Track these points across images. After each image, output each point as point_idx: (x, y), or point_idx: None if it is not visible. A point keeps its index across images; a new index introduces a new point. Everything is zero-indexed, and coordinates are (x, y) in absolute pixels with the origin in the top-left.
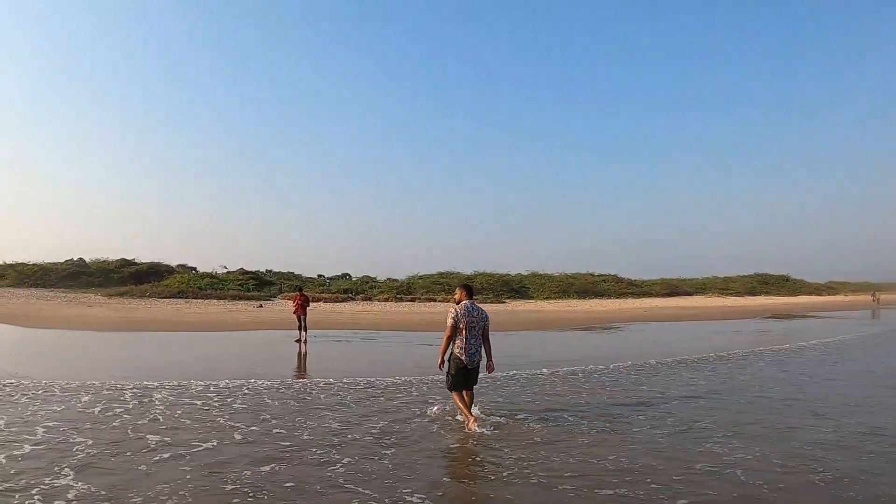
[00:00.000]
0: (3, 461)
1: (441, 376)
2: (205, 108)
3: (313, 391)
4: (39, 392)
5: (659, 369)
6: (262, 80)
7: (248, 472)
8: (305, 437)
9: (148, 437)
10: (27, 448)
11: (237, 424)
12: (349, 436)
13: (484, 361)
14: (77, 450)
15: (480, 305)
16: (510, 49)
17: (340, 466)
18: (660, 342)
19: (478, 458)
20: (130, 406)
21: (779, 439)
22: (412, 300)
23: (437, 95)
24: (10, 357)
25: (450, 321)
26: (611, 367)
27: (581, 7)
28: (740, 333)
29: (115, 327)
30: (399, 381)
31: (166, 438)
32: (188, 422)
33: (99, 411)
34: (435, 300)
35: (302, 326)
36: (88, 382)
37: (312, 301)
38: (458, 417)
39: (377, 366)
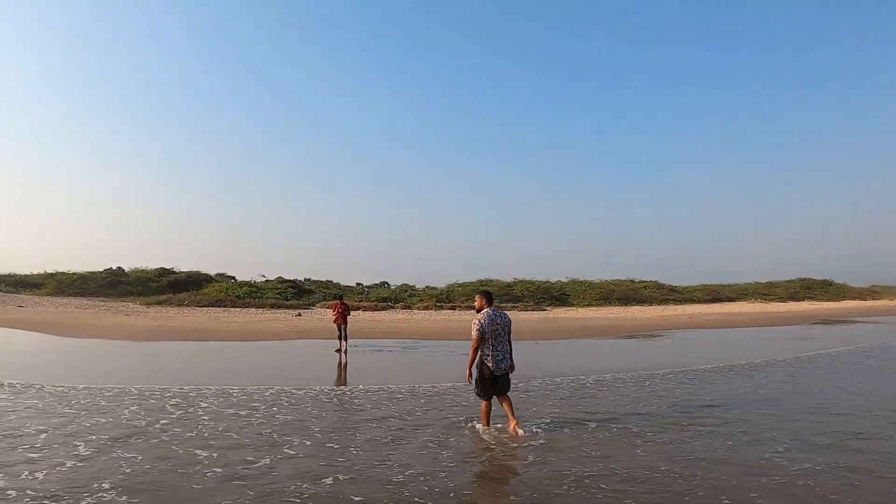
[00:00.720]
0: (42, 477)
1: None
2: (246, 119)
3: (358, 401)
4: (83, 401)
5: (712, 376)
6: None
7: (308, 486)
8: (359, 451)
9: (196, 451)
10: (69, 464)
11: (286, 438)
12: (404, 448)
13: (510, 363)
14: (122, 466)
15: (505, 311)
16: (541, 52)
17: (402, 478)
18: (709, 349)
19: (536, 472)
20: (175, 416)
21: (846, 449)
22: (452, 308)
23: (469, 99)
24: (52, 366)
25: (475, 332)
26: (662, 374)
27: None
28: (791, 339)
29: (151, 336)
30: (444, 391)
31: (215, 454)
32: (235, 435)
33: (144, 424)
34: (474, 307)
35: (342, 336)
36: (129, 389)
37: (352, 310)
38: (477, 426)
39: (421, 376)
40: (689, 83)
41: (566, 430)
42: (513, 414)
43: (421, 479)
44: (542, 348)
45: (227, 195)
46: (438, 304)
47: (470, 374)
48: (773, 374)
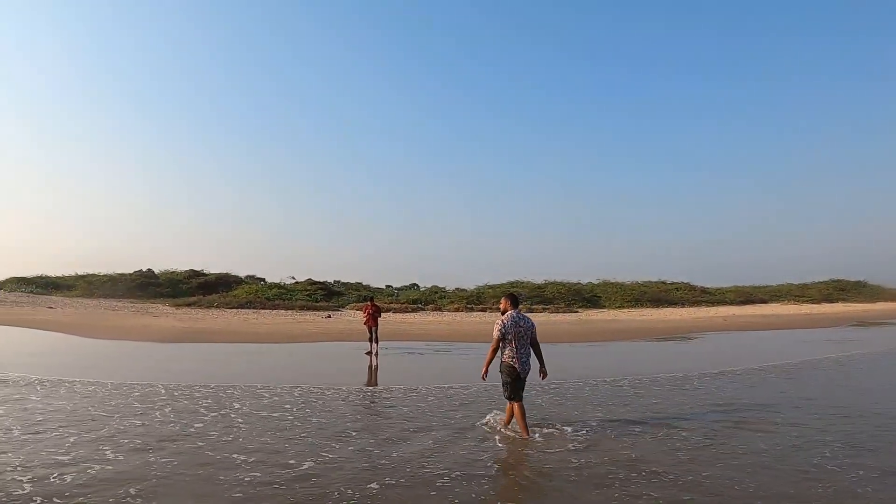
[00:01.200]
0: (70, 480)
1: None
2: (278, 125)
3: (393, 403)
4: (112, 402)
5: (752, 378)
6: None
7: (353, 492)
8: (401, 454)
9: (234, 455)
10: (95, 468)
11: (324, 441)
12: (445, 452)
13: (536, 367)
14: (154, 470)
15: (529, 317)
16: (575, 55)
17: (448, 481)
18: (747, 351)
19: (577, 476)
20: (208, 419)
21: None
22: (483, 310)
23: (498, 102)
24: (79, 367)
25: (496, 333)
26: (699, 375)
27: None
28: (830, 342)
29: (177, 338)
30: (479, 393)
31: (252, 458)
32: (270, 440)
33: (178, 428)
34: (500, 310)
35: (373, 338)
36: (157, 389)
37: (382, 311)
38: (502, 429)
39: (455, 377)
40: (716, 79)
41: (609, 433)
42: (525, 416)
43: (463, 482)
44: (577, 351)
45: (260, 198)
46: (469, 305)
47: (486, 373)
48: (814, 377)
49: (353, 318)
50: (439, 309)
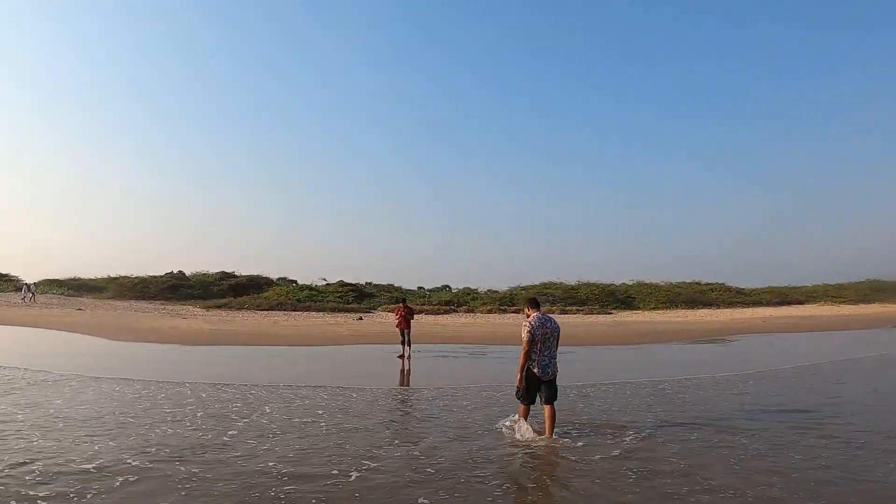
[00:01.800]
0: (90, 497)
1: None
2: (311, 127)
3: (431, 409)
4: (138, 406)
5: (800, 380)
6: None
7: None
8: (444, 464)
9: (270, 463)
10: (118, 480)
11: (364, 448)
12: (491, 460)
13: (556, 368)
14: (183, 483)
15: (552, 316)
16: (611, 54)
17: (501, 494)
18: (791, 353)
19: (621, 485)
20: (241, 425)
21: None
22: (516, 311)
23: (538, 101)
24: (104, 369)
25: (525, 335)
26: (745, 376)
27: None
28: (877, 343)
29: (205, 340)
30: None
31: (291, 468)
32: (308, 448)
33: (210, 437)
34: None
35: (405, 341)
36: (184, 391)
37: (415, 313)
38: (528, 434)
39: (491, 381)
40: (745, 73)
41: (658, 439)
42: (553, 427)
43: (512, 494)
44: (617, 353)
45: (294, 200)
46: (502, 307)
47: (521, 380)
48: (864, 380)
49: (385, 320)
50: (472, 311)
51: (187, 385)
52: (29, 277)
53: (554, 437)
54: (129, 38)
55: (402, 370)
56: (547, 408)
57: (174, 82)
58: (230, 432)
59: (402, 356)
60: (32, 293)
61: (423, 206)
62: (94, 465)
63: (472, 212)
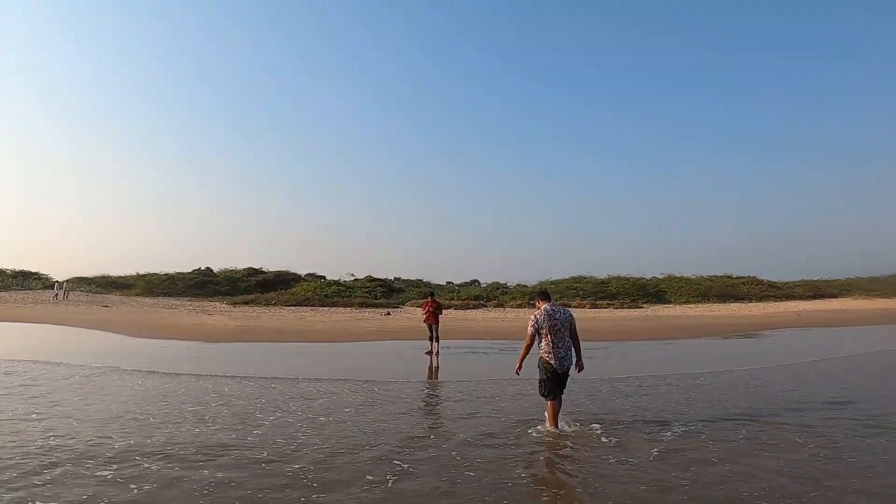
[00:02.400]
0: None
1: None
2: (346, 119)
3: (462, 408)
4: (160, 405)
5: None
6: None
7: None
8: (482, 466)
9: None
10: (136, 489)
11: (398, 450)
12: (532, 461)
13: (573, 360)
14: (209, 491)
15: (566, 308)
16: (656, 45)
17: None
18: (835, 348)
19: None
20: (267, 425)
21: None
22: None
23: (578, 92)
24: (131, 366)
25: (530, 329)
26: (794, 367)
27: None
28: None
29: (229, 337)
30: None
31: (327, 474)
32: (337, 448)
33: (234, 436)
34: (570, 305)
35: (433, 336)
36: (204, 386)
37: (443, 308)
38: (544, 427)
39: (524, 381)
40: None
41: (701, 435)
42: (557, 416)
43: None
44: (652, 348)
45: (324, 197)
46: (532, 301)
47: (520, 367)
48: None
49: (413, 315)
50: (501, 305)
51: (210, 385)
52: (59, 276)
53: (559, 425)
54: (172, 35)
55: (430, 366)
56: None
57: (215, 84)
58: (255, 432)
59: (430, 352)
60: (65, 291)
61: (456, 202)
62: (110, 471)
63: (503, 207)
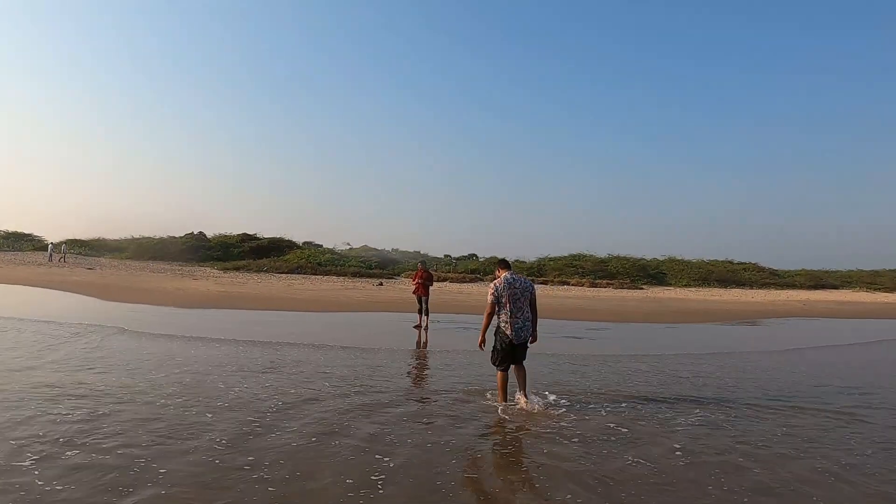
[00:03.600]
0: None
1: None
2: (351, 93)
3: (445, 383)
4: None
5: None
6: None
7: None
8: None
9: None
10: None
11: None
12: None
13: (531, 331)
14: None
15: (526, 278)
16: (679, 13)
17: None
18: (845, 338)
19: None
20: (230, 398)
21: None
22: (545, 282)
23: (566, 75)
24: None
25: (490, 297)
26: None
27: None
28: None
29: (208, 303)
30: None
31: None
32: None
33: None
34: (568, 283)
35: (423, 310)
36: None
37: (437, 280)
38: (494, 402)
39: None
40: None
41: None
42: (525, 386)
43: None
44: (656, 331)
45: (324, 165)
46: (530, 277)
47: (483, 342)
48: None
49: (406, 286)
50: None
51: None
52: (54, 238)
53: (528, 398)
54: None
55: (418, 342)
56: (518, 368)
57: (215, 50)
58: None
59: (418, 326)
60: (63, 254)
61: (459, 175)
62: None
63: (507, 181)
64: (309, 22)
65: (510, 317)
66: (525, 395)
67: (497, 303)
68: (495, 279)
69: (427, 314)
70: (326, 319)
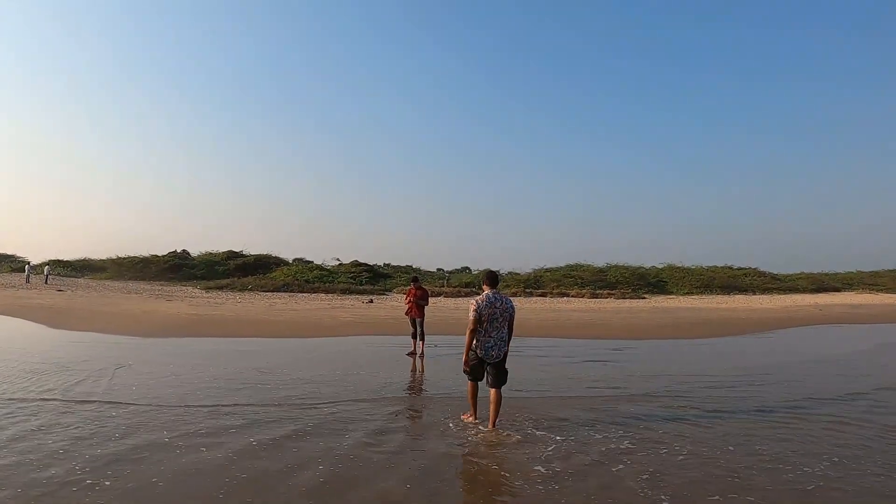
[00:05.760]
0: None
1: None
2: (344, 107)
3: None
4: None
5: None
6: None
7: None
8: None
9: None
10: None
11: None
12: None
13: (502, 352)
14: None
15: (508, 297)
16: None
17: None
18: None
19: None
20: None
21: None
22: (543, 295)
23: (558, 84)
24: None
25: (472, 314)
26: None
27: None
28: None
29: (172, 330)
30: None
31: None
32: None
33: None
34: (568, 294)
35: (417, 333)
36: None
37: (431, 296)
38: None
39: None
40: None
41: None
42: (495, 417)
43: None
44: (700, 349)
45: (320, 185)
46: (527, 290)
47: (467, 362)
48: None
49: (398, 303)
50: None
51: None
52: (37, 259)
53: (496, 428)
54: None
55: (413, 370)
56: (492, 392)
57: (208, 67)
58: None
59: (412, 353)
60: (46, 275)
61: (450, 187)
62: None
63: (498, 193)
64: (298, 34)
65: (483, 336)
66: (493, 426)
67: (478, 321)
68: (482, 292)
69: (423, 339)
70: (303, 348)
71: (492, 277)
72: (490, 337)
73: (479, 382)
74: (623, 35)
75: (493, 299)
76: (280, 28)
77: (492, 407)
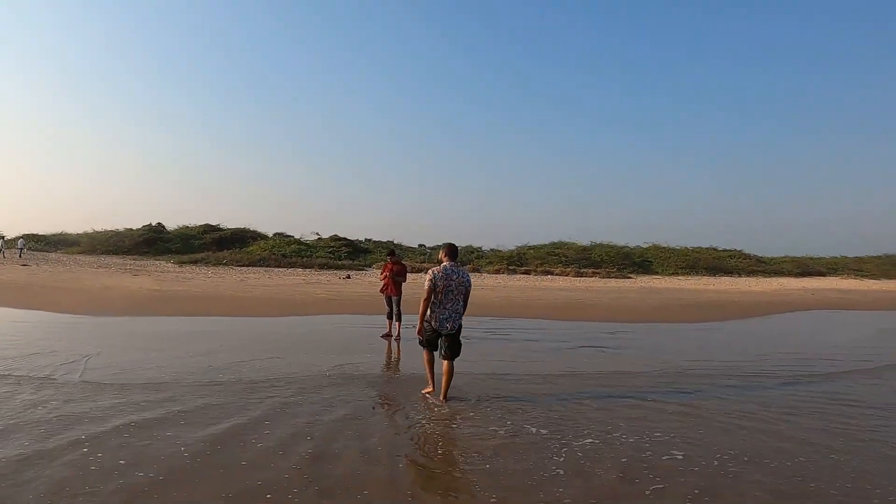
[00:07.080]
0: None
1: None
2: (333, 83)
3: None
4: None
5: None
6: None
7: None
8: None
9: None
10: None
11: None
12: None
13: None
14: None
15: (465, 270)
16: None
17: None
18: None
19: None
20: None
21: None
22: (526, 272)
23: (548, 66)
24: None
25: (427, 284)
26: None
27: None
28: None
29: (130, 308)
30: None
31: None
32: None
33: None
34: (552, 273)
35: (393, 313)
36: None
37: (410, 272)
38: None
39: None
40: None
41: None
42: (447, 389)
43: None
44: (710, 334)
45: (303, 159)
46: (511, 267)
47: (421, 329)
48: None
49: (376, 279)
50: (477, 270)
51: None
52: (11, 232)
53: (447, 399)
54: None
55: (388, 352)
56: (445, 363)
57: (193, 43)
58: None
59: (387, 335)
60: (21, 249)
61: (435, 163)
62: None
63: (483, 169)
64: (284, 11)
65: (438, 307)
66: (444, 398)
67: (432, 291)
68: (439, 262)
69: (399, 319)
70: (269, 329)
71: (451, 250)
72: (445, 309)
73: (434, 352)
74: (609, 15)
75: (450, 272)
76: (269, 13)
77: (444, 378)
